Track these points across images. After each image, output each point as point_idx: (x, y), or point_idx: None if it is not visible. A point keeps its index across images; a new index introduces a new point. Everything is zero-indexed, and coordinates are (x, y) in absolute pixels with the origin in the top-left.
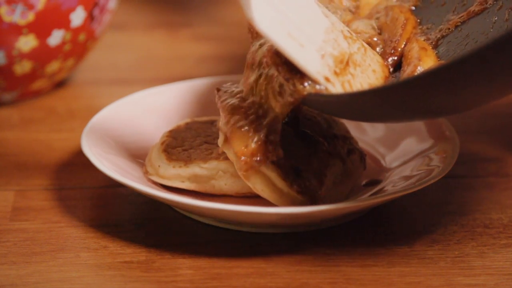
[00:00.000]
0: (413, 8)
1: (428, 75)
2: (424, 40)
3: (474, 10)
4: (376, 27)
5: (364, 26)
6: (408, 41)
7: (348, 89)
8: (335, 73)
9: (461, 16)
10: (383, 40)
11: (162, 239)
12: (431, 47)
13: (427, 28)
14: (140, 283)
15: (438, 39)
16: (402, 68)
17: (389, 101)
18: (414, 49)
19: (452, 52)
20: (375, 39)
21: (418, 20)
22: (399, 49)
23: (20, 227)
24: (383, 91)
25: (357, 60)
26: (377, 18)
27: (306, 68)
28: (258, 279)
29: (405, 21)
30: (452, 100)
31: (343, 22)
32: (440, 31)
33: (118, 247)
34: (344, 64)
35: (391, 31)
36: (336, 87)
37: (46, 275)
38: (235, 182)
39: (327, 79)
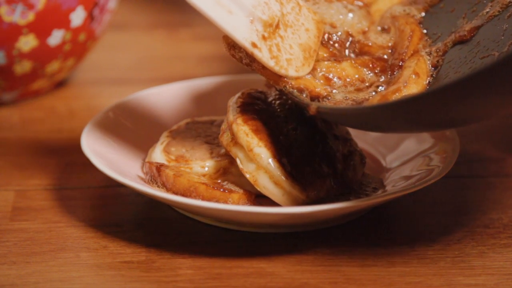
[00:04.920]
0: (423, 14)
1: (436, 91)
2: (430, 52)
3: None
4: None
5: (379, 38)
6: (414, 53)
7: (276, 52)
8: (263, 37)
9: (467, 31)
10: (392, 51)
11: (162, 239)
12: (427, 73)
13: (433, 41)
14: (140, 283)
15: (445, 50)
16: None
17: (397, 114)
18: (408, 70)
19: (463, 59)
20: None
21: (425, 31)
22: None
23: (20, 227)
24: (390, 106)
25: (289, 21)
26: (385, 29)
27: (234, 34)
28: (258, 279)
29: (411, 33)
30: (466, 113)
31: (360, 33)
32: (445, 43)
33: (118, 247)
34: (273, 28)
35: (398, 42)
36: (263, 52)
37: (46, 275)
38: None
39: (254, 45)
